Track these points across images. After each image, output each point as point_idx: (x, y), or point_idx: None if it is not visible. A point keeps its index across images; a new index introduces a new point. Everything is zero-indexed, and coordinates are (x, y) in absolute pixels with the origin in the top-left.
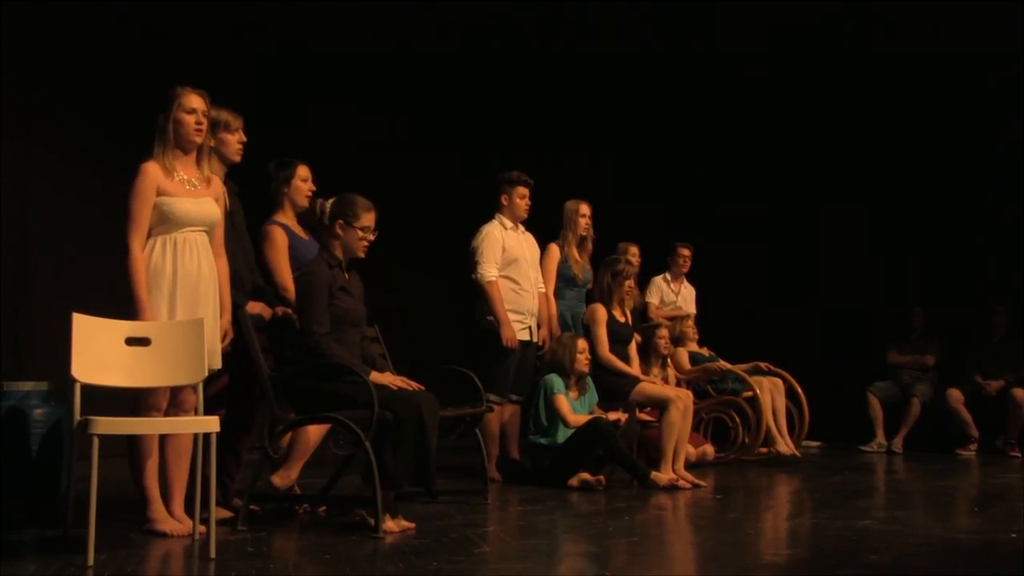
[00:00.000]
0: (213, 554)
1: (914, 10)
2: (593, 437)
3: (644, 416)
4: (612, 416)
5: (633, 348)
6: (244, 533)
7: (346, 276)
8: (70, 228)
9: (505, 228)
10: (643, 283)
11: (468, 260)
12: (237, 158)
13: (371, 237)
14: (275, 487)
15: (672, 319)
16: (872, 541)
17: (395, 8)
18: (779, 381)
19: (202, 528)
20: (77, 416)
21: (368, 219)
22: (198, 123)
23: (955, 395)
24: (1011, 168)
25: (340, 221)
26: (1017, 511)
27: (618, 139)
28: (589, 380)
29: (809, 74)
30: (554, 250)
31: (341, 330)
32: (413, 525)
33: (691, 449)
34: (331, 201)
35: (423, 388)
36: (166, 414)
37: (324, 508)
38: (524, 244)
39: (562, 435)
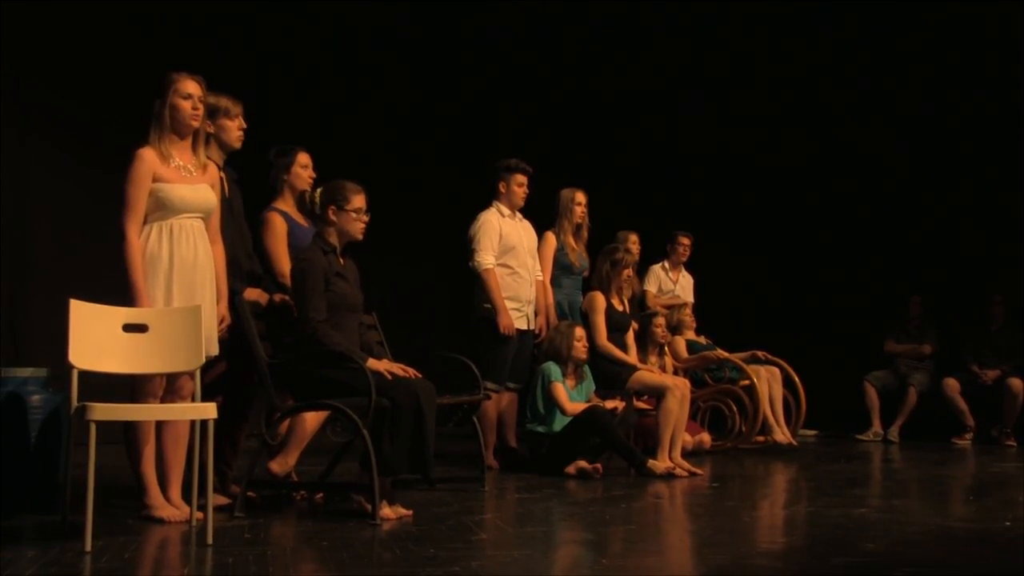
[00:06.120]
0: (210, 540)
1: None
2: (590, 425)
3: (641, 404)
4: (609, 404)
5: (631, 336)
6: (241, 519)
7: (341, 262)
8: (67, 215)
9: (502, 216)
10: (642, 271)
11: (465, 248)
12: (237, 144)
13: (365, 218)
14: (273, 474)
15: (670, 307)
16: (868, 529)
17: None
18: (776, 370)
19: (199, 514)
20: (75, 402)
21: (359, 200)
22: (194, 108)
23: (952, 384)
24: (1010, 158)
25: (332, 207)
26: (1012, 500)
27: (617, 127)
28: (586, 368)
29: (809, 65)
30: (550, 238)
31: (339, 316)
32: (410, 512)
33: (688, 437)
34: (319, 191)
35: (420, 376)
36: (162, 401)
37: (321, 495)
38: (521, 232)
39: (559, 423)
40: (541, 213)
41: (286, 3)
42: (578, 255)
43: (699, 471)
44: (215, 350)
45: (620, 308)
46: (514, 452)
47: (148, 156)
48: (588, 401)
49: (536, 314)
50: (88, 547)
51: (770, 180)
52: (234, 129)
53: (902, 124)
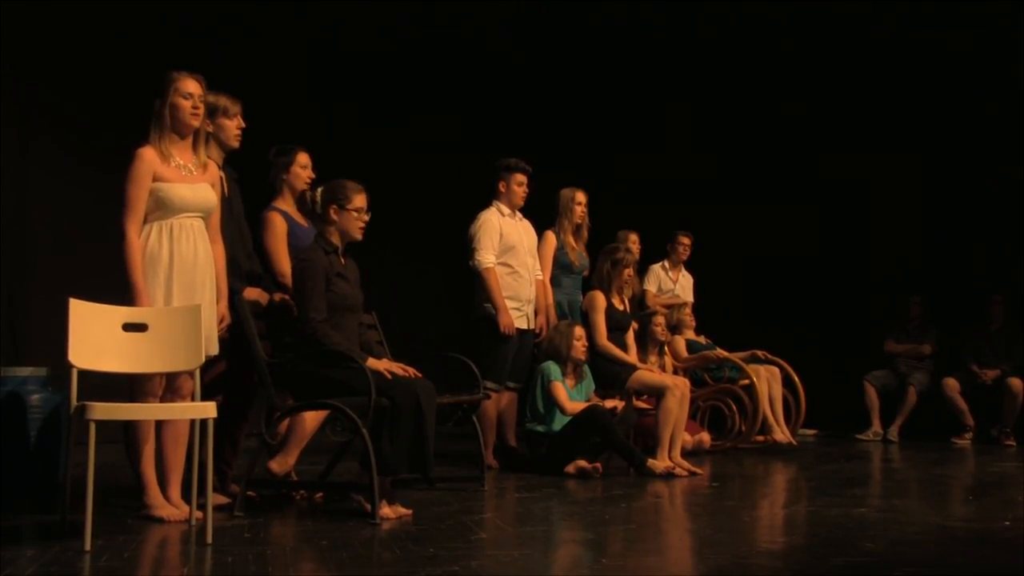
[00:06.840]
0: (210, 539)
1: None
2: (590, 424)
3: (641, 404)
4: (609, 404)
5: (631, 336)
6: (241, 519)
7: (342, 262)
8: (67, 214)
9: (502, 215)
10: (642, 271)
11: (465, 247)
12: (235, 143)
13: (366, 218)
14: (272, 473)
15: (670, 307)
16: (868, 529)
17: None
18: (776, 369)
19: (199, 514)
20: (74, 402)
21: (360, 200)
22: (194, 107)
23: (951, 384)
24: (1011, 157)
25: (333, 207)
26: (1012, 500)
27: (618, 127)
28: (586, 368)
29: (810, 65)
30: (550, 237)
31: (339, 316)
32: (410, 511)
33: (688, 437)
34: (320, 190)
35: (420, 375)
36: (162, 400)
37: (321, 494)
38: (521, 231)
39: (559, 422)
40: (541, 213)
41: (286, 3)
42: (578, 254)
43: (699, 471)
44: (215, 349)
45: (620, 307)
46: (514, 452)
47: (148, 155)
48: (588, 400)
49: (536, 313)
50: (88, 546)
51: (770, 180)
52: (232, 128)
53: (903, 124)
